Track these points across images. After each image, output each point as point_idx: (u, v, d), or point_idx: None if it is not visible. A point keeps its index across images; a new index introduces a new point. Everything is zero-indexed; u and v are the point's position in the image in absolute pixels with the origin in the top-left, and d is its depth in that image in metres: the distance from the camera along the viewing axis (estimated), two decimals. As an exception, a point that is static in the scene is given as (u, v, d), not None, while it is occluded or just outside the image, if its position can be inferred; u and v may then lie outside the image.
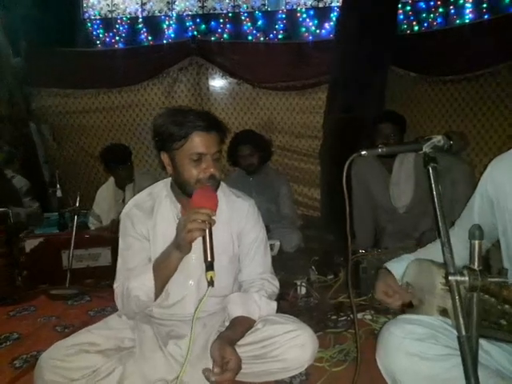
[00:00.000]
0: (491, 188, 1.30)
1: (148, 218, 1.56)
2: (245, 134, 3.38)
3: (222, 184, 1.69)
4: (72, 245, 2.53)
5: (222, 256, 1.57)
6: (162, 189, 1.62)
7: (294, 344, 1.38)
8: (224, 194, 1.63)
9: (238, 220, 1.62)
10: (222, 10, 5.95)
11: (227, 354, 1.29)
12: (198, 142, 1.43)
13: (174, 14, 5.97)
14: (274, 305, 1.55)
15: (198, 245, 1.44)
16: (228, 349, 1.31)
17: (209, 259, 1.24)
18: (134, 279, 1.45)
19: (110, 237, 2.66)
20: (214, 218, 1.30)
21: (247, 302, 1.50)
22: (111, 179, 3.31)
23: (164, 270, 1.42)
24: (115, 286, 1.54)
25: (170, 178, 1.60)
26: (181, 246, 1.34)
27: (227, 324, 1.50)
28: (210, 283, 1.21)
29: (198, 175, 1.44)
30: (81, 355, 1.34)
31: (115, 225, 2.71)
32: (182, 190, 1.51)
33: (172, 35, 5.87)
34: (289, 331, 1.41)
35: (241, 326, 1.45)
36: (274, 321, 1.47)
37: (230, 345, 1.34)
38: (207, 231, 1.27)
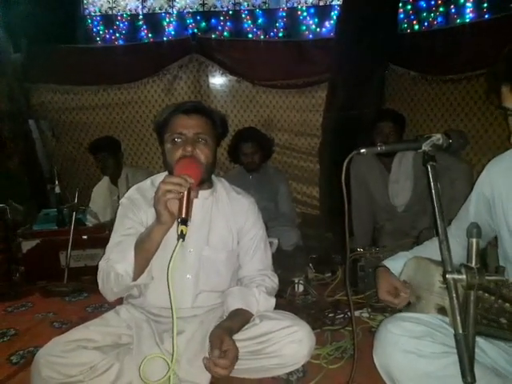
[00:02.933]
0: (488, 189, 1.31)
1: (150, 205, 1.53)
2: (248, 131, 3.41)
3: (223, 180, 1.72)
4: (70, 241, 2.52)
5: (221, 251, 1.58)
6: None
7: (291, 340, 1.39)
8: (225, 190, 1.65)
9: (238, 217, 1.63)
10: (222, 7, 5.93)
11: (225, 343, 1.30)
12: (176, 123, 1.49)
13: (175, 12, 5.95)
14: (273, 301, 1.56)
15: (194, 237, 1.48)
16: (226, 338, 1.32)
17: (183, 216, 1.22)
18: (115, 253, 1.45)
19: (107, 237, 2.64)
20: (192, 181, 1.28)
21: (246, 296, 1.51)
22: (105, 177, 3.34)
23: (145, 243, 1.38)
24: (100, 262, 1.52)
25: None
26: (158, 212, 1.31)
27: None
28: (181, 236, 1.19)
29: (179, 155, 1.45)
30: (78, 351, 1.33)
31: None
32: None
33: (172, 32, 5.86)
34: (286, 327, 1.41)
35: (239, 318, 1.46)
36: (271, 317, 1.48)
37: (228, 334, 1.34)
38: (185, 193, 1.25)
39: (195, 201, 1.48)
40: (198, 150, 1.46)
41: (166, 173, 1.61)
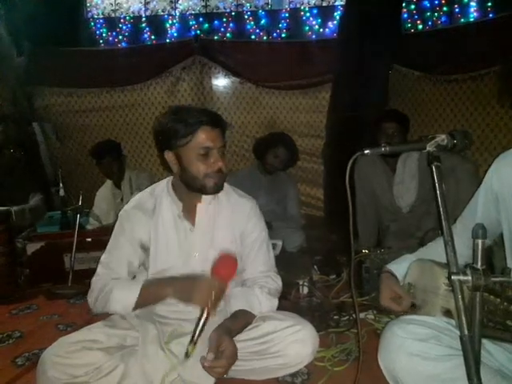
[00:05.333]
0: (496, 184, 1.29)
1: (149, 218, 1.57)
2: (289, 139, 3.42)
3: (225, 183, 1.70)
4: (74, 244, 2.53)
5: None
6: (163, 188, 1.63)
7: (294, 339, 1.40)
8: (226, 192, 1.63)
9: (240, 220, 1.63)
10: (225, 8, 5.94)
11: (224, 343, 1.30)
12: (205, 136, 1.46)
13: (177, 13, 5.97)
14: (275, 301, 1.57)
15: (199, 242, 1.54)
16: (225, 338, 1.32)
17: (194, 339, 1.26)
18: (119, 289, 1.48)
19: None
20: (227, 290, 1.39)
21: (248, 297, 1.52)
22: (108, 180, 3.34)
23: (152, 299, 1.47)
24: (94, 279, 1.57)
25: (171, 177, 1.62)
26: (183, 298, 1.39)
27: None
28: (187, 356, 1.26)
29: (206, 170, 1.47)
30: (83, 352, 1.35)
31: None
32: (190, 186, 1.52)
33: (175, 34, 5.87)
34: (288, 326, 1.42)
35: (241, 319, 1.46)
36: (274, 317, 1.48)
37: (227, 334, 1.34)
38: (203, 318, 1.29)
39: (199, 205, 1.54)
40: (223, 163, 1.50)
41: (165, 181, 1.63)
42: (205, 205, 1.58)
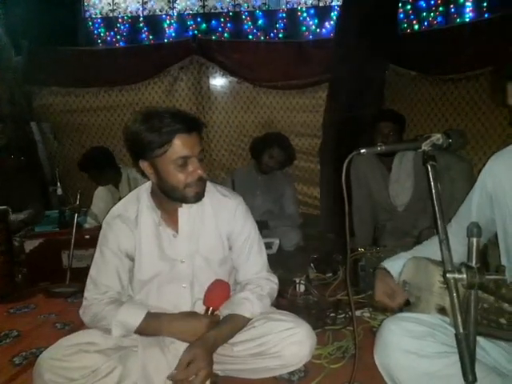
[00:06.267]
0: (490, 183, 1.30)
1: (133, 228, 1.52)
2: (285, 139, 3.43)
3: (207, 182, 1.60)
4: (72, 243, 2.53)
5: (213, 258, 1.56)
6: (143, 193, 1.57)
7: (291, 341, 1.39)
8: (208, 192, 1.53)
9: (226, 220, 1.56)
10: (222, 9, 5.95)
11: (192, 356, 1.30)
12: (181, 145, 1.37)
13: (175, 13, 5.97)
14: (268, 301, 1.53)
15: (184, 248, 1.51)
16: (195, 351, 1.31)
17: None
18: (121, 313, 1.43)
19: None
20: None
21: (237, 301, 1.48)
22: None
23: (148, 333, 1.44)
24: (86, 294, 1.53)
25: (150, 183, 1.54)
26: (180, 339, 1.41)
27: None
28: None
29: (185, 180, 1.40)
30: (80, 355, 1.34)
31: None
32: (169, 196, 1.46)
33: (173, 34, 5.88)
34: (286, 329, 1.41)
35: (228, 325, 1.43)
36: (271, 318, 1.47)
37: (203, 347, 1.33)
38: None
39: (180, 210, 1.51)
40: (203, 170, 1.42)
41: (147, 185, 1.56)
42: (186, 209, 1.51)
